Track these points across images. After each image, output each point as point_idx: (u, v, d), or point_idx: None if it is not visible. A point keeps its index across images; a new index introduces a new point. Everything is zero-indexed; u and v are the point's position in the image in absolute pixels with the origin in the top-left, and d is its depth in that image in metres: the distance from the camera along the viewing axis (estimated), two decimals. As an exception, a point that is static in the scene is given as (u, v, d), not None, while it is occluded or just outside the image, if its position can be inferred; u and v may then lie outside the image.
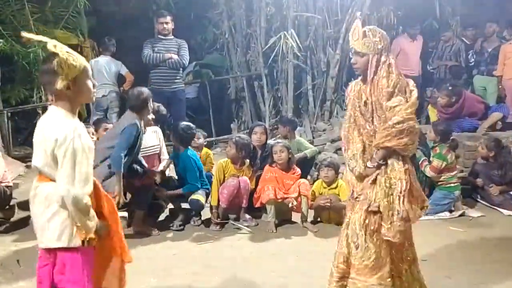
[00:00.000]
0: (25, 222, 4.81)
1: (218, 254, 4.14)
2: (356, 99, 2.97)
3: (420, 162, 5.26)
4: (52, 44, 2.23)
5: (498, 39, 7.67)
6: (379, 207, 2.85)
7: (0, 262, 3.88)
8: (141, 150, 4.65)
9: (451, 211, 5.19)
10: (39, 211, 2.34)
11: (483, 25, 7.79)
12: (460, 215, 5.12)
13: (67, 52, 2.25)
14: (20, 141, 7.99)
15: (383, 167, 2.85)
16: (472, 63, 7.78)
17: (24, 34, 2.30)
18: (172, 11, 7.28)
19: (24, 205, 5.16)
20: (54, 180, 2.27)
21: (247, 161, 4.99)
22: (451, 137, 5.45)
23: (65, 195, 2.19)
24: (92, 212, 2.30)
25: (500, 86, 7.41)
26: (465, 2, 8.43)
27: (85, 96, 2.39)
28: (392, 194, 2.83)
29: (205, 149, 5.54)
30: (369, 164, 2.88)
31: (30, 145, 8.05)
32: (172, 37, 6.59)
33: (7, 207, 4.88)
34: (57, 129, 2.23)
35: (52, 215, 2.30)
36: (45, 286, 2.44)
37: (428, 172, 5.20)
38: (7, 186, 4.83)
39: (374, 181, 2.87)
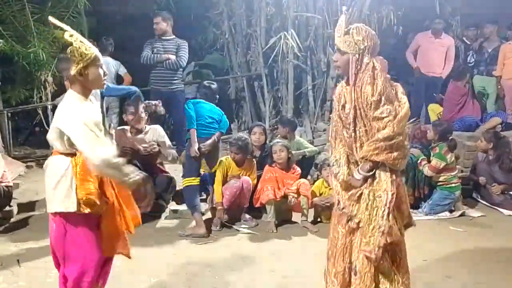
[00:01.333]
0: (25, 222, 4.83)
1: (218, 254, 4.14)
2: (336, 102, 2.78)
3: (418, 161, 5.26)
4: (69, 34, 2.51)
5: (498, 39, 7.67)
6: (359, 223, 2.67)
7: (0, 262, 3.88)
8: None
9: (451, 211, 5.19)
10: (47, 180, 2.61)
11: (484, 25, 7.78)
12: (461, 215, 5.13)
13: (81, 41, 2.53)
14: (20, 141, 8.00)
15: (369, 179, 2.65)
16: (472, 63, 7.77)
17: (52, 19, 2.58)
18: (172, 11, 7.28)
19: (24, 205, 5.18)
20: (61, 153, 2.56)
21: (250, 159, 4.99)
22: (450, 137, 5.44)
23: (97, 163, 2.42)
24: (129, 168, 2.53)
25: (499, 86, 7.41)
26: (465, 2, 8.43)
27: (95, 83, 2.62)
28: (376, 207, 2.62)
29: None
30: (355, 175, 2.68)
31: (30, 145, 8.12)
32: (173, 37, 6.57)
33: (7, 207, 4.89)
34: (67, 109, 2.53)
35: (56, 183, 2.55)
36: (56, 249, 2.67)
37: (427, 171, 5.20)
38: (7, 186, 4.83)
39: (359, 196, 2.68)
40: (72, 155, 2.56)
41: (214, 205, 4.90)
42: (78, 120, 2.47)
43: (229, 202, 4.76)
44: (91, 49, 2.56)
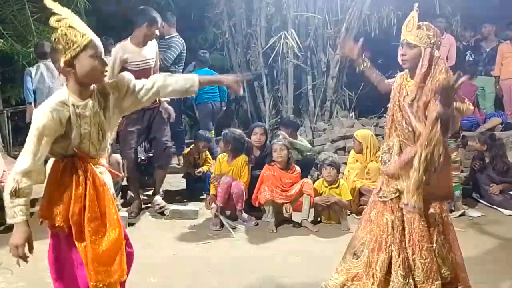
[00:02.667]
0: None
1: (218, 254, 4.14)
2: (397, 92, 2.91)
3: None
4: (56, 19, 2.14)
5: (496, 39, 7.68)
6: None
7: (0, 262, 3.88)
8: (139, 62, 4.72)
9: (451, 211, 5.17)
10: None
11: (482, 25, 7.79)
12: (460, 215, 5.12)
13: (69, 27, 2.13)
14: (20, 141, 7.98)
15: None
16: (471, 63, 7.77)
17: (46, 2, 2.17)
18: (172, 10, 7.27)
19: (24, 205, 5.18)
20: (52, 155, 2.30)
21: (243, 156, 4.98)
22: (462, 134, 5.39)
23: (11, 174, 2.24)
24: (7, 197, 2.28)
25: (497, 86, 7.41)
26: (465, 2, 8.42)
27: (89, 76, 2.19)
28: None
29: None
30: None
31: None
32: (171, 36, 6.52)
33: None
34: (41, 106, 2.19)
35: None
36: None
37: None
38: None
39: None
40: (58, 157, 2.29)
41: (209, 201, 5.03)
42: (34, 122, 2.14)
43: (222, 198, 4.77)
44: (83, 37, 2.14)
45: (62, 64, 2.17)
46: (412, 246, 2.86)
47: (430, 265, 2.84)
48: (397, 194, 2.88)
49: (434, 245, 2.87)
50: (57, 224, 2.34)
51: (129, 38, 4.87)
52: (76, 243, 2.34)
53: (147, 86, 2.37)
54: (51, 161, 2.34)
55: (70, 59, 2.14)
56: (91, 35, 2.19)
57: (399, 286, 2.85)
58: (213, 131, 6.97)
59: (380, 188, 2.97)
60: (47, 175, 2.31)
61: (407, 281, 2.85)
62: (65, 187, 2.27)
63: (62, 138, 2.21)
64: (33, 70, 5.98)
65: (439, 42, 2.80)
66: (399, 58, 2.90)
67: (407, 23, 2.83)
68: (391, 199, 2.90)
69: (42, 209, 2.31)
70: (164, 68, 6.38)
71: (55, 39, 2.15)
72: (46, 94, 5.93)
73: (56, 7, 2.16)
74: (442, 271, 2.90)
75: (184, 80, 2.44)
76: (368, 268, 2.94)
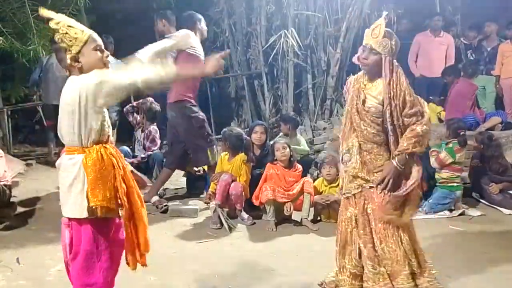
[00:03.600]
0: (25, 220, 4.82)
1: (217, 252, 4.14)
2: (354, 96, 3.01)
3: (430, 151, 5.23)
4: (55, 22, 2.36)
5: (497, 38, 7.67)
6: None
7: (0, 260, 3.88)
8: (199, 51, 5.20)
9: (451, 210, 5.19)
10: (60, 181, 2.48)
11: (483, 24, 7.78)
12: (460, 214, 5.12)
13: (69, 26, 2.35)
14: (20, 139, 8.00)
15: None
16: (471, 63, 7.77)
17: (43, 12, 2.45)
18: (172, 10, 7.26)
19: (24, 204, 5.19)
20: (73, 152, 2.40)
21: (242, 155, 4.98)
22: (461, 133, 5.40)
23: (133, 82, 2.38)
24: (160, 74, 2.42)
25: (498, 86, 7.41)
26: (465, 1, 8.43)
27: (96, 67, 2.40)
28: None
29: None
30: (394, 163, 2.93)
31: (30, 143, 8.10)
32: (170, 35, 6.52)
33: (7, 205, 4.89)
34: (79, 82, 2.34)
35: (68, 186, 2.42)
36: (65, 252, 2.57)
37: (433, 162, 5.16)
38: (5, 185, 4.84)
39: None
40: (84, 151, 2.39)
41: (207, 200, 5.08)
42: (98, 74, 2.34)
43: (221, 196, 4.77)
44: (82, 33, 2.36)
45: (69, 61, 2.35)
46: (379, 236, 2.97)
47: (398, 253, 2.95)
48: (360, 189, 3.02)
49: (401, 233, 2.99)
50: (112, 207, 2.43)
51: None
52: (127, 222, 2.50)
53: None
54: (73, 158, 2.42)
55: (76, 54, 2.35)
56: (89, 30, 2.40)
57: (371, 277, 2.97)
58: None
59: (342, 186, 3.13)
60: (78, 171, 2.40)
61: (377, 270, 2.97)
62: (108, 172, 2.39)
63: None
64: (44, 59, 6.49)
65: (398, 50, 2.91)
66: (356, 59, 3.01)
67: (373, 29, 2.90)
68: (354, 194, 3.04)
69: (96, 199, 2.37)
70: None
71: (58, 39, 2.34)
72: (53, 81, 6.42)
73: (52, 14, 2.39)
74: (410, 259, 3.00)
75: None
76: (341, 261, 3.08)
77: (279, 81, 7.94)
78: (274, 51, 7.40)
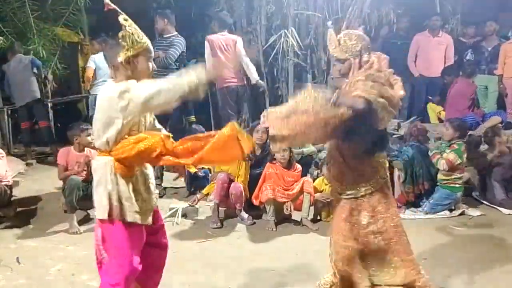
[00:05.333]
0: (25, 220, 4.83)
1: (217, 252, 4.15)
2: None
3: (432, 154, 5.21)
4: (123, 18, 2.38)
5: (497, 38, 7.67)
6: None
7: (0, 260, 3.89)
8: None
9: (451, 210, 5.18)
10: (94, 183, 2.51)
11: (483, 24, 7.78)
12: (460, 214, 5.12)
13: (135, 28, 2.38)
14: (20, 139, 7.98)
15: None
16: (471, 62, 7.77)
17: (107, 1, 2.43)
18: (172, 9, 7.27)
19: (24, 203, 5.19)
20: (104, 153, 2.43)
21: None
22: (469, 133, 5.37)
23: (145, 99, 2.32)
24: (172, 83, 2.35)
25: (501, 85, 7.41)
26: (465, 0, 8.42)
27: (141, 76, 2.42)
28: None
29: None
30: None
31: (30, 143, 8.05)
32: (171, 34, 6.53)
33: (7, 205, 4.89)
34: (111, 90, 2.37)
35: (96, 187, 2.46)
36: (98, 251, 2.57)
37: (443, 164, 5.05)
38: (6, 185, 4.85)
39: None
40: (110, 154, 2.43)
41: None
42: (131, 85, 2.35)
43: (219, 195, 4.77)
44: (144, 38, 2.41)
45: (121, 59, 2.36)
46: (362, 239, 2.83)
47: (382, 254, 2.85)
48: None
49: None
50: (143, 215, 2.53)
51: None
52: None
53: None
54: (100, 160, 2.47)
55: (131, 57, 2.36)
56: (147, 40, 2.44)
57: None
58: (193, 116, 7.07)
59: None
60: (102, 173, 2.45)
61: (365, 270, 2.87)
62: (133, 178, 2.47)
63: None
64: (96, 56, 6.77)
65: (367, 45, 2.81)
66: (335, 73, 2.93)
67: (329, 41, 2.88)
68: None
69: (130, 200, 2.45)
70: (165, 66, 6.40)
71: (122, 36, 2.35)
72: (22, 82, 6.75)
73: (115, 7, 2.41)
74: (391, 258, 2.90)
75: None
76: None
77: (279, 81, 7.93)
78: (274, 51, 7.39)
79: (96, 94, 6.53)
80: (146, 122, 2.58)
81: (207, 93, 8.08)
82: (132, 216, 2.46)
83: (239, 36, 6.73)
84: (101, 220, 2.48)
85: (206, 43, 6.52)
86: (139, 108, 2.33)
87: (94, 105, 7.12)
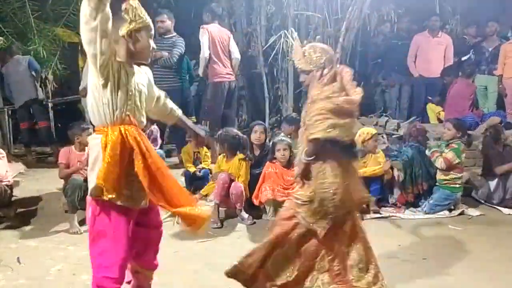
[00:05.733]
0: (25, 219, 4.83)
1: (218, 252, 4.15)
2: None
3: (430, 153, 5.21)
4: None
5: (498, 38, 7.68)
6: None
7: (0, 260, 3.89)
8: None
9: (450, 210, 5.19)
10: (89, 161, 2.51)
11: (483, 24, 7.80)
12: (460, 214, 5.12)
13: (139, 5, 2.38)
14: (21, 139, 8.00)
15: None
16: (470, 63, 7.78)
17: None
18: (172, 9, 7.28)
19: (25, 203, 5.19)
20: (96, 131, 2.44)
21: (239, 155, 4.99)
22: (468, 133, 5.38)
23: None
24: None
25: (500, 85, 7.43)
26: (465, 1, 8.43)
27: (142, 52, 2.44)
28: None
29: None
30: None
31: (30, 143, 8.06)
32: (171, 35, 6.55)
33: (7, 205, 4.90)
34: None
35: (91, 165, 2.46)
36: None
37: (441, 163, 5.08)
38: (6, 185, 4.85)
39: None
40: (104, 131, 2.39)
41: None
42: None
43: (219, 196, 4.78)
44: (146, 16, 2.40)
45: (123, 33, 2.34)
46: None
47: (343, 262, 2.94)
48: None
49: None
50: (121, 193, 2.44)
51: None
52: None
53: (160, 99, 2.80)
54: (95, 138, 2.45)
55: (133, 30, 2.34)
56: (149, 19, 2.42)
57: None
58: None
59: None
60: (99, 151, 2.41)
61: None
62: (124, 156, 2.41)
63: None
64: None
65: (331, 58, 2.94)
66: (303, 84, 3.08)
67: (294, 53, 3.04)
68: None
69: (104, 181, 2.37)
70: (171, 66, 6.42)
71: (126, 8, 2.32)
72: (19, 82, 6.80)
73: None
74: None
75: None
76: None
77: (279, 81, 7.94)
78: (274, 51, 7.40)
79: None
80: (142, 105, 2.55)
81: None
82: (124, 200, 2.42)
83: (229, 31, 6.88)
84: (94, 199, 2.44)
85: (203, 30, 6.50)
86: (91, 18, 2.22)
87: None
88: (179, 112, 2.95)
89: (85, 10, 2.21)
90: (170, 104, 2.90)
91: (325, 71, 2.91)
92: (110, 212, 2.42)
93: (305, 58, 2.94)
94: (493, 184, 5.46)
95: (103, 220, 2.44)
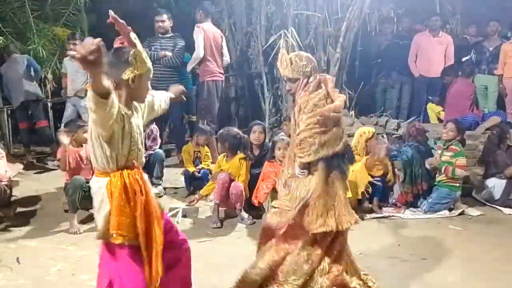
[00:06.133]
0: (25, 220, 4.83)
1: (218, 252, 4.15)
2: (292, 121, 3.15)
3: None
4: (134, 36, 2.40)
5: (499, 38, 7.68)
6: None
7: (0, 260, 3.89)
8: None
9: (450, 210, 5.19)
10: (94, 202, 2.47)
11: (483, 24, 7.80)
12: (460, 214, 5.12)
13: (143, 49, 2.40)
14: (20, 139, 7.99)
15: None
16: (470, 63, 7.78)
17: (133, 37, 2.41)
18: (172, 9, 7.28)
19: (24, 203, 5.19)
20: (99, 175, 2.41)
21: (240, 154, 4.99)
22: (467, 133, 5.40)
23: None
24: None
25: (501, 85, 7.43)
26: (465, 1, 8.44)
27: (141, 95, 2.48)
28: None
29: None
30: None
31: (30, 142, 8.07)
32: (171, 34, 6.56)
33: (7, 205, 4.90)
34: None
35: (98, 210, 2.42)
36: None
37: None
38: (6, 185, 4.85)
39: None
40: (108, 175, 2.38)
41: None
42: None
43: (219, 196, 4.78)
44: (147, 59, 2.42)
45: (127, 77, 2.34)
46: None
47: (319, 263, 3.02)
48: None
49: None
50: (131, 236, 2.42)
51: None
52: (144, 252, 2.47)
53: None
54: (99, 181, 2.42)
55: (138, 76, 2.36)
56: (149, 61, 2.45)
57: None
58: (194, 116, 7.10)
59: None
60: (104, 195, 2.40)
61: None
62: (129, 199, 2.39)
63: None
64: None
65: (314, 66, 3.01)
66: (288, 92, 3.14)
67: (280, 61, 3.04)
68: None
69: (117, 228, 2.36)
70: (175, 66, 6.44)
71: (133, 54, 2.33)
72: (16, 81, 6.71)
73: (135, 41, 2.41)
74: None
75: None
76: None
77: (279, 81, 7.93)
78: (274, 51, 7.39)
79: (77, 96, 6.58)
80: (142, 145, 2.53)
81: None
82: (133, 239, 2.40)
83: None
84: (106, 244, 2.43)
85: (198, 29, 6.49)
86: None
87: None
88: (165, 96, 2.98)
89: (93, 108, 2.21)
90: (160, 99, 2.89)
91: (311, 79, 2.99)
92: (121, 251, 2.41)
93: (292, 66, 2.99)
94: (495, 183, 5.46)
95: (122, 260, 2.42)
